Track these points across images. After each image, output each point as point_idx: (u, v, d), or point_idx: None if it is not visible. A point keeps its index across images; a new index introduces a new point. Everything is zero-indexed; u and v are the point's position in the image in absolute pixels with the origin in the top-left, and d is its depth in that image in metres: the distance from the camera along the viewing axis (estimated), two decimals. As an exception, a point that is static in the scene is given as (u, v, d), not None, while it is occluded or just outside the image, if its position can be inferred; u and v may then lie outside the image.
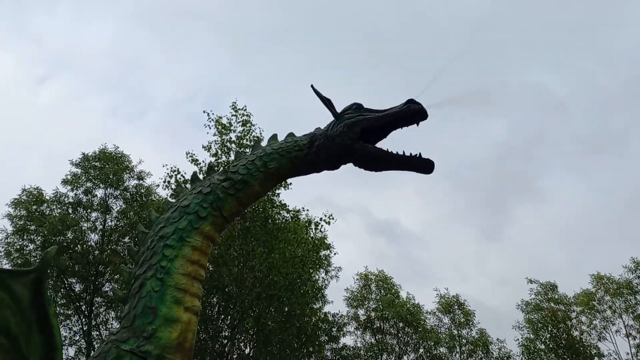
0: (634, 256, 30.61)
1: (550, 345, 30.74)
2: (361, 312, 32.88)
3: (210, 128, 22.72)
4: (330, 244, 26.97)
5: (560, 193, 74.02)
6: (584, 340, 30.91)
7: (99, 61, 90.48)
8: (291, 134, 5.71)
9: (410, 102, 5.08)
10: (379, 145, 5.33)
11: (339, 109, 5.57)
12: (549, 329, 30.99)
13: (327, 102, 5.57)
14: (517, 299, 34.01)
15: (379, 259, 77.39)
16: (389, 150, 5.15)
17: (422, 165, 5.08)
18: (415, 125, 5.18)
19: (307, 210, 24.83)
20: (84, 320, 26.28)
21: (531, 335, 31.67)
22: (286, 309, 23.48)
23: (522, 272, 60.82)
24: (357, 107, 5.39)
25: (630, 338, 29.82)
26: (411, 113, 5.07)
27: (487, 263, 63.43)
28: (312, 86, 5.67)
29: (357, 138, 5.18)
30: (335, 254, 27.89)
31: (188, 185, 5.81)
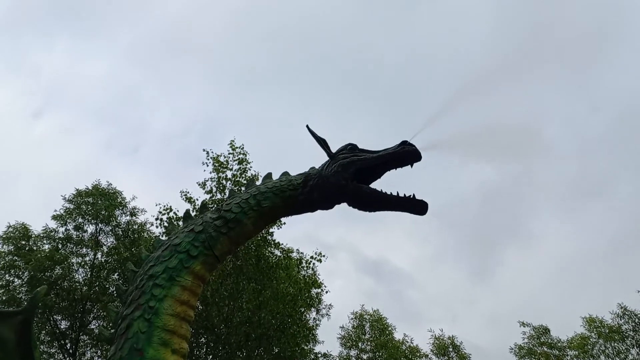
0: (621, 301, 30.51)
1: None
2: (353, 353, 32.31)
3: (208, 165, 22.78)
4: (321, 282, 26.74)
5: (548, 234, 74.50)
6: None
7: (94, 95, 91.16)
8: (286, 173, 5.72)
9: (405, 143, 5.13)
10: (372, 185, 5.35)
11: (333, 149, 5.57)
12: None
13: (322, 142, 5.59)
14: (507, 340, 33.79)
15: (368, 297, 77.04)
16: (383, 191, 5.15)
17: (416, 206, 5.09)
18: (409, 166, 5.21)
19: (298, 249, 24.66)
20: (68, 359, 25.63)
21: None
22: (276, 350, 22.99)
23: (512, 312, 60.52)
24: (351, 148, 5.43)
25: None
26: (405, 155, 5.12)
27: (477, 303, 63.15)
28: (307, 126, 5.70)
29: (351, 178, 5.19)
30: (327, 292, 27.60)
31: (180, 223, 5.73)
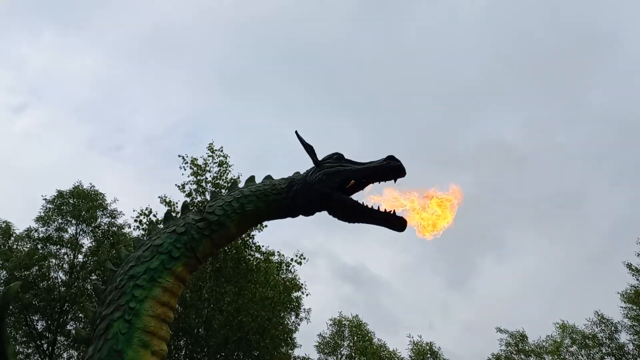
0: (598, 309, 30.89)
1: None
2: (332, 359, 32.28)
3: (185, 169, 22.69)
4: (302, 284, 26.67)
5: (523, 245, 75.89)
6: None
7: (78, 92, 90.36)
8: (269, 177, 5.70)
9: (390, 158, 5.20)
10: (354, 196, 5.40)
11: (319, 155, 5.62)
12: None
13: (309, 149, 5.61)
14: (483, 348, 34.03)
15: (347, 304, 77.32)
16: (365, 204, 5.23)
17: (396, 222, 5.17)
18: (393, 181, 5.28)
19: (280, 251, 24.57)
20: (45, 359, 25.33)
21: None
22: (256, 353, 22.92)
23: (489, 321, 61.34)
24: (337, 157, 5.47)
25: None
26: (390, 169, 5.17)
27: (453, 312, 63.76)
28: (296, 132, 5.72)
29: (335, 188, 5.24)
30: (307, 294, 27.54)
31: (161, 225, 5.72)
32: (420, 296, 66.77)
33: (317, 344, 32.75)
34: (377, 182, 5.33)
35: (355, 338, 32.73)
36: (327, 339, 32.91)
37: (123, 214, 27.52)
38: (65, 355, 26.19)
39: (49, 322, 25.18)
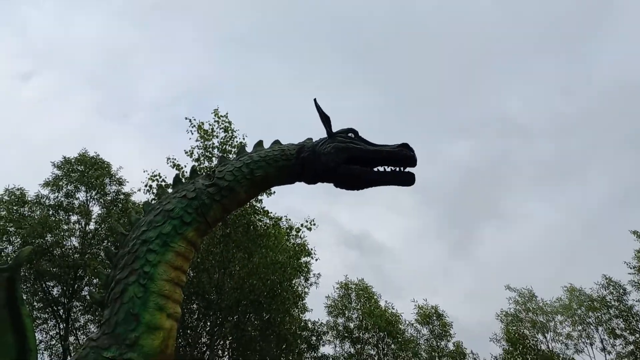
0: (605, 273, 31.18)
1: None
2: (340, 320, 32.81)
3: (192, 134, 22.71)
4: (311, 249, 26.91)
5: (524, 213, 76.12)
6: (560, 353, 31.14)
7: (85, 58, 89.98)
8: (277, 142, 5.72)
9: (404, 146, 5.22)
10: None
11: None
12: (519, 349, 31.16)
13: (326, 119, 5.60)
14: (484, 313, 34.37)
15: (351, 270, 78.32)
16: (371, 169, 5.27)
17: (405, 178, 5.23)
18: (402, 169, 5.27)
19: (287, 216, 24.70)
20: (61, 324, 25.88)
21: (510, 347, 31.83)
22: (266, 316, 23.34)
23: (489, 287, 61.99)
24: (351, 133, 5.48)
25: (605, 352, 30.12)
26: (402, 157, 5.21)
27: (455, 278, 64.35)
28: (314, 100, 5.68)
29: (341, 163, 5.26)
30: (316, 259, 27.81)
31: (170, 190, 5.77)
32: (423, 263, 67.45)
33: (326, 305, 33.29)
34: (386, 167, 5.31)
35: (362, 300, 33.19)
36: (336, 302, 33.39)
37: (128, 182, 27.84)
38: (81, 320, 26.75)
39: (64, 288, 25.65)
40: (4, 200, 25.44)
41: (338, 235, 56.35)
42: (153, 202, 5.83)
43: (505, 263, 67.39)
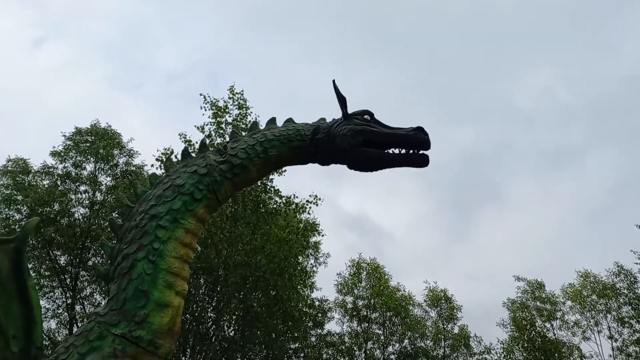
0: (617, 260, 31.17)
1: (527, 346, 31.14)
2: (349, 299, 32.98)
3: (206, 110, 22.46)
4: (319, 227, 26.88)
5: (525, 200, 76.29)
6: (566, 341, 31.24)
7: (100, 28, 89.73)
8: (290, 120, 5.67)
9: (419, 129, 5.22)
10: None
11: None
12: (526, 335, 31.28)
13: (342, 100, 5.53)
14: (482, 297, 34.62)
15: (349, 252, 79.03)
16: (386, 152, 5.32)
17: (420, 159, 5.30)
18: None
19: (295, 194, 24.50)
20: (67, 293, 26.05)
21: (515, 333, 32.02)
22: (273, 293, 23.37)
23: (488, 271, 62.32)
24: (367, 116, 5.43)
25: (612, 340, 30.14)
26: (416, 141, 5.24)
27: (455, 262, 64.66)
28: (333, 81, 5.62)
29: (357, 145, 5.24)
30: (323, 235, 27.78)
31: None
32: (423, 246, 67.79)
33: (336, 283, 33.45)
34: (400, 150, 5.34)
35: (372, 280, 33.28)
36: (346, 280, 33.55)
37: (140, 154, 27.62)
38: (88, 289, 26.92)
39: (72, 257, 25.73)
40: (9, 169, 25.43)
41: (336, 216, 56.60)
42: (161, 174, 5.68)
43: (503, 247, 67.85)
